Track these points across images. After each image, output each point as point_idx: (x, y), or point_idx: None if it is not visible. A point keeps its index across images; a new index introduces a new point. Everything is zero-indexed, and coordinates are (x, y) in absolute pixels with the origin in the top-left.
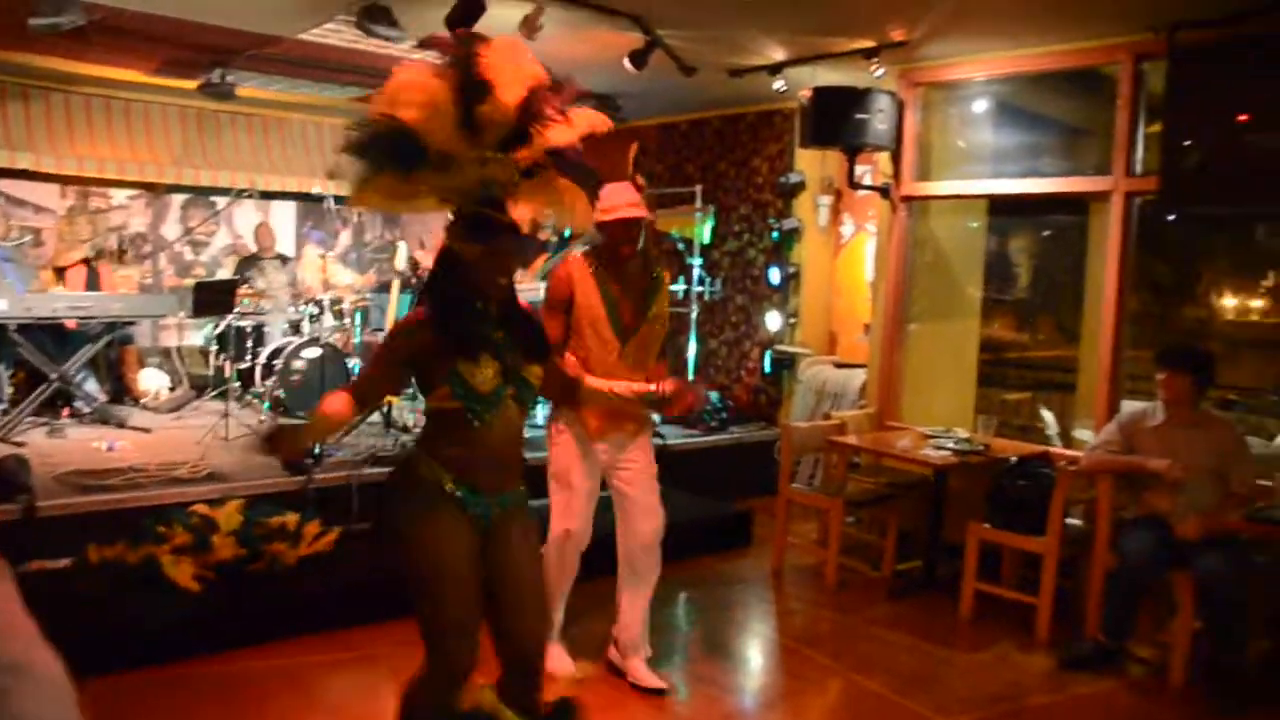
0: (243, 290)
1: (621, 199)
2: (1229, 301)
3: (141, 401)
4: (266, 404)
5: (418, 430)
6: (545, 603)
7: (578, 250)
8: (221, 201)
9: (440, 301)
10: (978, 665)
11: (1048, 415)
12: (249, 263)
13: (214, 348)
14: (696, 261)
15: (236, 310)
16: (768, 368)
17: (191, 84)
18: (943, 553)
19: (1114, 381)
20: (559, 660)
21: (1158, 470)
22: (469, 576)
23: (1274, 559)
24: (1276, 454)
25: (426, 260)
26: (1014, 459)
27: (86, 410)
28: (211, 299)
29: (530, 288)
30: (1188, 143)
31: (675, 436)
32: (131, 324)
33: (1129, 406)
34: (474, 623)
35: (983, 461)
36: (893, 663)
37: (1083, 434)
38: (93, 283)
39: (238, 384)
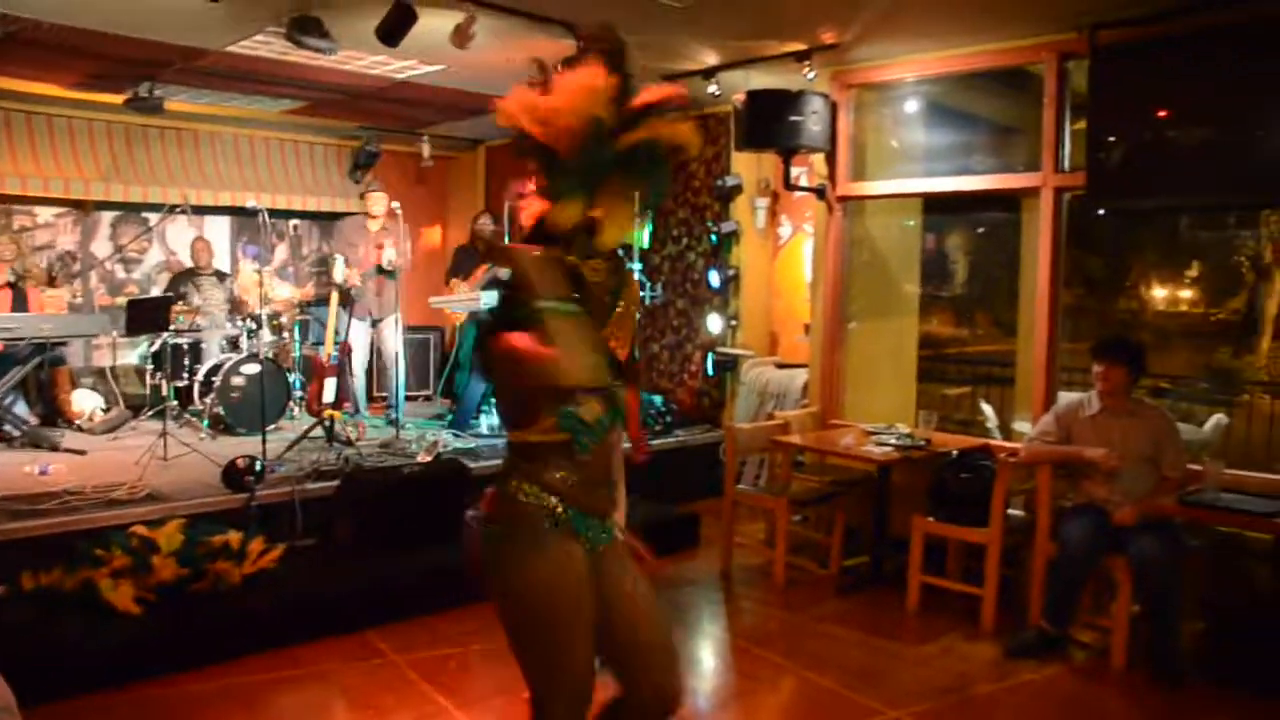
0: (178, 307)
1: None
2: (1159, 293)
3: (75, 423)
4: (206, 421)
5: (360, 444)
6: (672, 639)
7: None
8: (154, 217)
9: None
10: (925, 657)
11: (987, 409)
12: (184, 279)
13: (150, 366)
14: (636, 266)
15: (172, 328)
16: (710, 370)
17: (118, 98)
18: (888, 547)
19: (1050, 374)
20: None
21: (1094, 459)
22: (589, 616)
23: (1206, 542)
24: (1206, 440)
25: (354, 275)
26: (955, 452)
27: (16, 434)
28: (145, 317)
29: (471, 298)
30: (1112, 139)
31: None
32: (62, 344)
33: (1066, 398)
34: (592, 666)
35: (925, 456)
36: (843, 658)
37: (1022, 426)
38: (20, 304)
39: (175, 402)
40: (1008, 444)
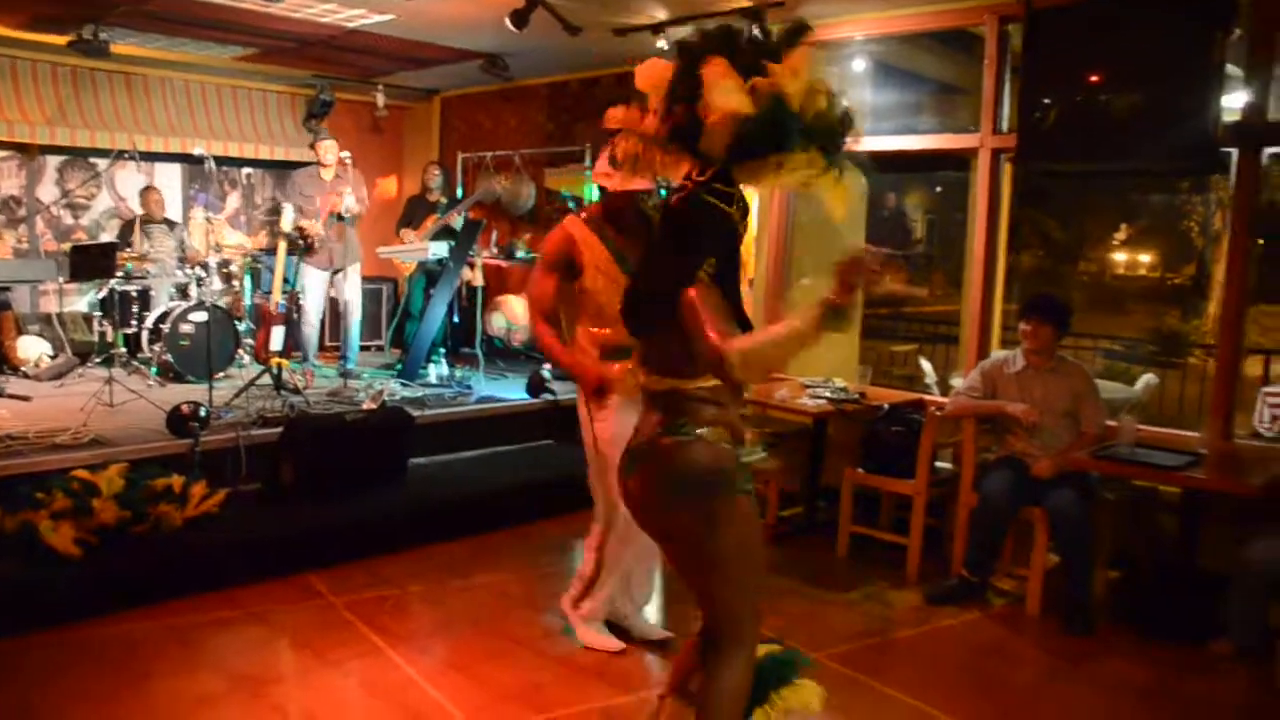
0: (125, 254)
1: None
2: (1119, 257)
3: (21, 369)
4: (155, 369)
5: (308, 392)
6: None
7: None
8: (102, 163)
9: (727, 264)
10: (851, 603)
11: (926, 365)
12: (133, 226)
13: (98, 314)
14: None
15: (120, 275)
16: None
17: (63, 39)
18: (822, 498)
19: (983, 331)
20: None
21: (1015, 415)
22: None
23: (1121, 495)
24: (1135, 398)
25: (314, 226)
26: (886, 406)
27: None
28: (90, 263)
29: (419, 248)
30: (1045, 101)
31: (566, 393)
32: (7, 290)
33: (995, 354)
34: None
35: (859, 409)
36: (776, 605)
37: (957, 382)
38: None
39: (124, 350)
40: (941, 399)
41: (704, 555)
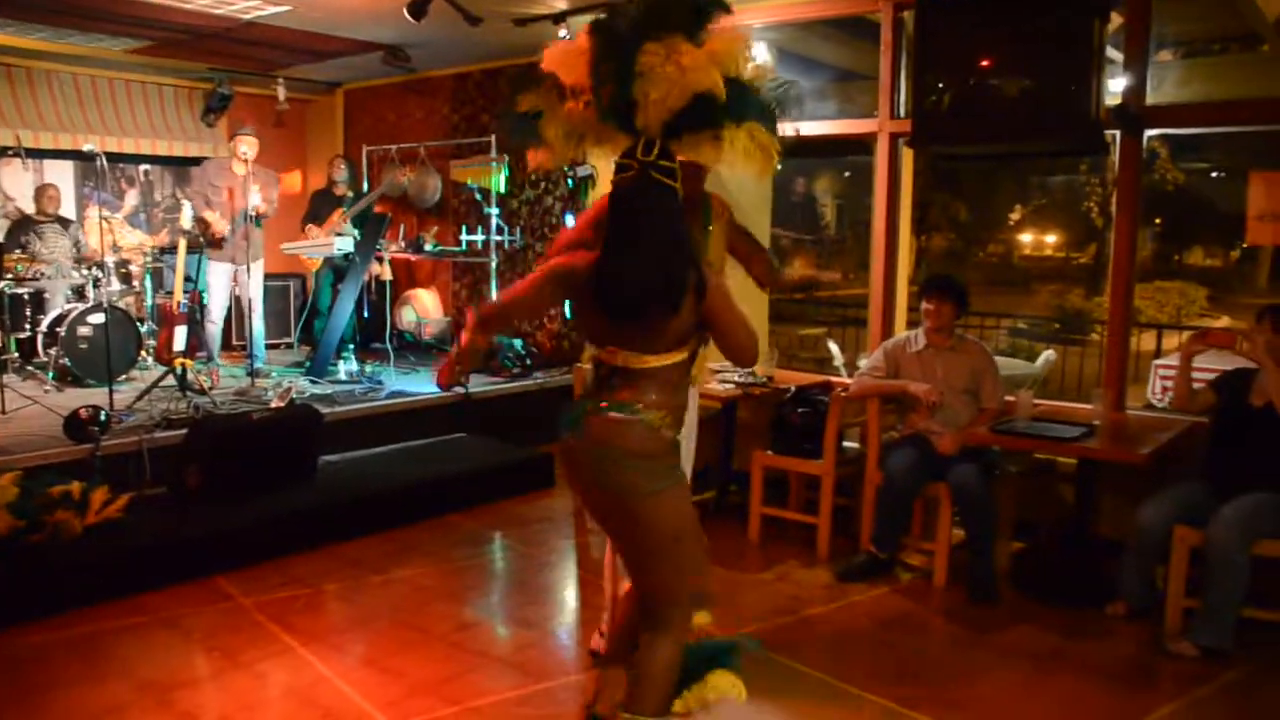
0: (14, 256)
1: None
2: (1024, 238)
3: None
4: (52, 373)
5: (214, 392)
6: None
7: None
8: None
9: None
10: (763, 583)
11: (833, 347)
12: (24, 226)
13: None
14: (494, 211)
15: (9, 277)
16: (569, 313)
17: None
18: (734, 481)
19: (885, 313)
20: None
21: (917, 394)
22: None
23: (1023, 468)
24: (1036, 374)
25: (216, 220)
26: (793, 389)
27: None
28: None
29: (324, 243)
30: (938, 85)
31: (479, 384)
32: None
33: (897, 335)
34: None
35: (766, 393)
36: None
37: (864, 363)
38: None
39: (16, 355)
40: (847, 380)
41: (641, 534)
